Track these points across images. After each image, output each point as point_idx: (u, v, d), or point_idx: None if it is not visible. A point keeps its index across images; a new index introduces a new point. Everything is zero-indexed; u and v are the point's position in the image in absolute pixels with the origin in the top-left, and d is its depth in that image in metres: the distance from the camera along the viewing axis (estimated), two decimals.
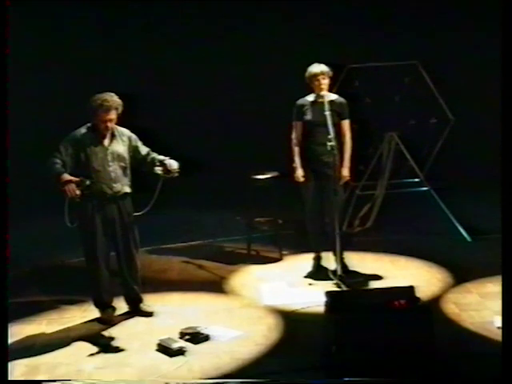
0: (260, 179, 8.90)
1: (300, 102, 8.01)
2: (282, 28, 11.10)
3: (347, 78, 9.93)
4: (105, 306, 7.15)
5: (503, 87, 3.91)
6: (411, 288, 6.05)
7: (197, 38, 11.36)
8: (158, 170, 6.98)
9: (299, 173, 7.99)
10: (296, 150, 8.03)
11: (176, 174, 6.97)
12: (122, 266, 7.15)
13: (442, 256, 8.61)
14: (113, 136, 6.90)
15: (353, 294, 6.67)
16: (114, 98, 6.77)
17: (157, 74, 11.20)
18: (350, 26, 11.08)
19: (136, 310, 7.25)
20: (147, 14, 11.48)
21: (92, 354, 6.45)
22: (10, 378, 5.89)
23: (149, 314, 7.22)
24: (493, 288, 7.68)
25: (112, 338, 6.76)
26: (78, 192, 6.61)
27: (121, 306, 7.29)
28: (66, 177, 6.58)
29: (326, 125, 7.63)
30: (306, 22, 11.04)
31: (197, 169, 7.29)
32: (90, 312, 7.24)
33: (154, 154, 7.06)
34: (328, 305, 6.09)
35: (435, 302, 7.34)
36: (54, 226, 8.09)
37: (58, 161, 6.65)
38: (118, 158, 6.90)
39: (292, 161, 8.05)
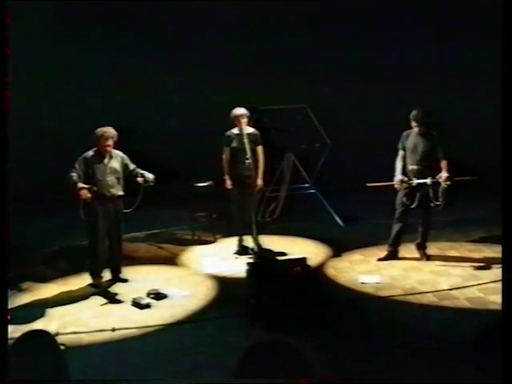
0: (200, 186, 8.89)
1: (227, 133, 8.00)
2: (219, 85, 11.08)
3: (259, 116, 9.95)
4: (97, 275, 7.13)
5: (503, 89, 3.50)
6: (304, 259, 6.20)
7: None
8: (140, 180, 7.01)
9: (228, 183, 8.01)
10: (226, 166, 8.04)
11: (152, 183, 7.04)
12: (113, 247, 7.13)
13: (324, 236, 8.67)
14: (111, 156, 6.95)
15: (265, 264, 6.75)
16: (111, 130, 6.88)
17: (139, 116, 11.10)
18: (260, 80, 11.15)
19: (116, 278, 7.24)
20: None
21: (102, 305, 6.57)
22: (34, 323, 5.91)
23: (125, 281, 7.23)
24: (358, 257, 7.87)
25: (116, 294, 6.85)
26: (89, 195, 6.73)
27: (106, 275, 7.25)
28: (81, 185, 6.75)
29: (245, 150, 7.72)
30: (235, 77, 11.09)
31: (158, 178, 7.27)
32: (85, 279, 7.19)
33: (138, 169, 7.10)
34: (248, 271, 6.23)
35: (320, 267, 7.46)
36: (69, 219, 8.10)
37: (75, 174, 6.77)
38: (114, 171, 6.95)
39: (223, 174, 8.06)
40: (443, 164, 7.25)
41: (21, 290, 7.02)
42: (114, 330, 5.90)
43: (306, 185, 10.15)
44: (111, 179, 6.93)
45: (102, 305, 6.62)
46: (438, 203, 7.18)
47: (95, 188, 6.81)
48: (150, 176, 7.03)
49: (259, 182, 8.02)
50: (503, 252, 3.56)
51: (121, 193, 7.03)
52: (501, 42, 3.51)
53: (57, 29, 10.97)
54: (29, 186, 9.77)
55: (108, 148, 6.88)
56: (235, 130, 7.97)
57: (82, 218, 6.88)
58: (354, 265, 7.61)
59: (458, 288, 6.64)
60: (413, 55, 11.16)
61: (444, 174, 7.15)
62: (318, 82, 11.12)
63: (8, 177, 3.46)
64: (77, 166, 6.83)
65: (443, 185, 7.14)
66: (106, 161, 6.93)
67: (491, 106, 10.49)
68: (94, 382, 4.09)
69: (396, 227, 7.56)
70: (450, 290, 6.62)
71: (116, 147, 7.02)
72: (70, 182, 6.76)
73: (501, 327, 2.34)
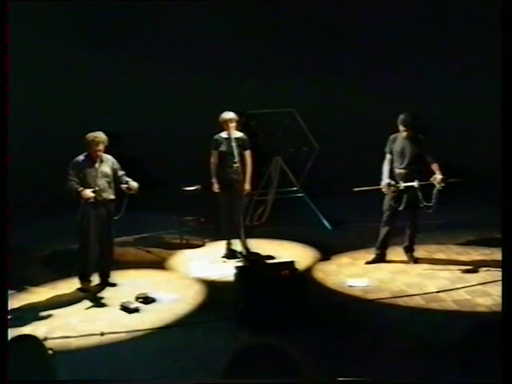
0: (188, 190, 8.87)
1: (216, 137, 7.98)
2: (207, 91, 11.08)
3: (247, 120, 9.93)
4: (86, 279, 7.08)
5: (503, 90, 3.46)
6: (292, 262, 6.22)
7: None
8: (124, 187, 7.02)
9: (216, 186, 8.00)
10: (214, 170, 8.02)
11: (134, 192, 7.01)
12: (103, 250, 7.10)
13: (312, 239, 8.65)
14: (101, 161, 6.96)
15: (253, 267, 6.74)
16: (101, 135, 6.88)
17: (127, 120, 11.06)
18: (248, 84, 11.14)
19: (105, 282, 7.20)
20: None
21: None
22: (22, 328, 5.85)
23: (113, 285, 7.21)
24: (346, 260, 7.87)
25: (102, 298, 6.85)
26: (92, 195, 6.78)
27: (94, 279, 7.20)
28: (81, 188, 6.78)
29: (233, 154, 7.71)
30: (224, 83, 11.10)
31: (146, 183, 7.27)
32: (74, 284, 7.14)
33: (125, 176, 7.09)
34: (237, 275, 6.23)
35: (308, 271, 7.46)
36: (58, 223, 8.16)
37: (73, 181, 6.82)
38: (105, 175, 6.96)
39: (211, 177, 8.04)
40: (434, 166, 7.27)
41: (10, 294, 6.97)
42: (102, 334, 5.87)
43: (294, 188, 10.14)
44: (102, 183, 6.93)
45: (88, 308, 6.60)
46: (430, 204, 7.19)
47: (97, 188, 6.83)
48: (134, 184, 7.03)
49: (247, 186, 8.00)
50: (503, 252, 3.56)
51: (112, 197, 7.04)
52: (500, 43, 3.50)
53: (52, 30, 10.98)
54: (16, 190, 9.71)
55: (99, 153, 6.90)
56: (224, 134, 7.95)
57: (77, 220, 6.89)
58: (341, 268, 7.62)
59: (445, 290, 6.67)
60: (400, 59, 11.20)
61: (439, 176, 7.17)
62: (306, 85, 11.15)
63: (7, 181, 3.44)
64: (70, 171, 6.86)
65: (438, 187, 7.17)
66: (96, 165, 6.93)
67: (479, 109, 10.65)
68: (88, 382, 4.10)
69: (384, 230, 7.59)
70: (437, 292, 6.65)
71: (106, 152, 7.01)
72: (73, 189, 6.80)
73: (491, 329, 2.36)
